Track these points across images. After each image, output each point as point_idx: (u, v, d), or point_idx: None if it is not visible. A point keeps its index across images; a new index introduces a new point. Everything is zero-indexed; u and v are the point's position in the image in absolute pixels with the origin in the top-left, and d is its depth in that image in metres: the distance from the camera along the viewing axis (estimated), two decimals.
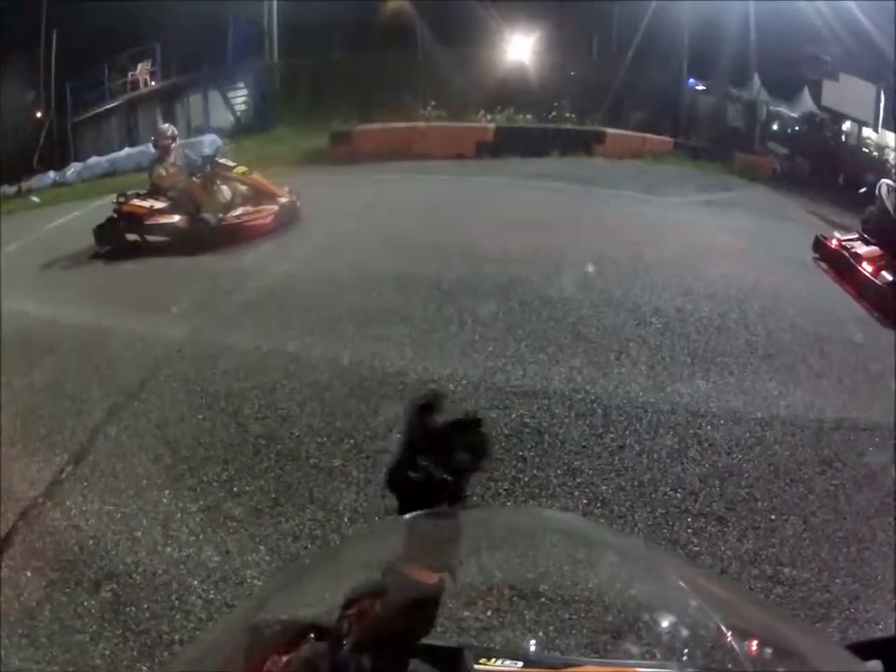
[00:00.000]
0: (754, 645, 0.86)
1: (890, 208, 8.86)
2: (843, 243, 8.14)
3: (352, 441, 3.88)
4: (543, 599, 2.12)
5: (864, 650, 1.08)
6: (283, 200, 8.05)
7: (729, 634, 0.86)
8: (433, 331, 5.11)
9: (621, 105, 12.44)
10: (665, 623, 0.92)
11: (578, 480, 3.60)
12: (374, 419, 4.08)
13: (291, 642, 0.89)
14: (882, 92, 12.68)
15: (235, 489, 3.56)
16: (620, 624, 0.92)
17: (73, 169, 12.68)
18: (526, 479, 3.60)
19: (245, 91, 13.45)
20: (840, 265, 7.84)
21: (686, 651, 0.88)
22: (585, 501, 3.45)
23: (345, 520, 3.32)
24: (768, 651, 0.87)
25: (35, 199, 11.32)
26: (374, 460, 3.72)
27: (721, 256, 7.15)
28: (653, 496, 3.53)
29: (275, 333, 5.14)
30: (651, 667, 0.90)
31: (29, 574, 3.10)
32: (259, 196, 8.06)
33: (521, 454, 3.78)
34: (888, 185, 9.30)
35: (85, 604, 2.92)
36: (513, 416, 4.08)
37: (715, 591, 1.04)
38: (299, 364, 4.67)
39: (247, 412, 4.20)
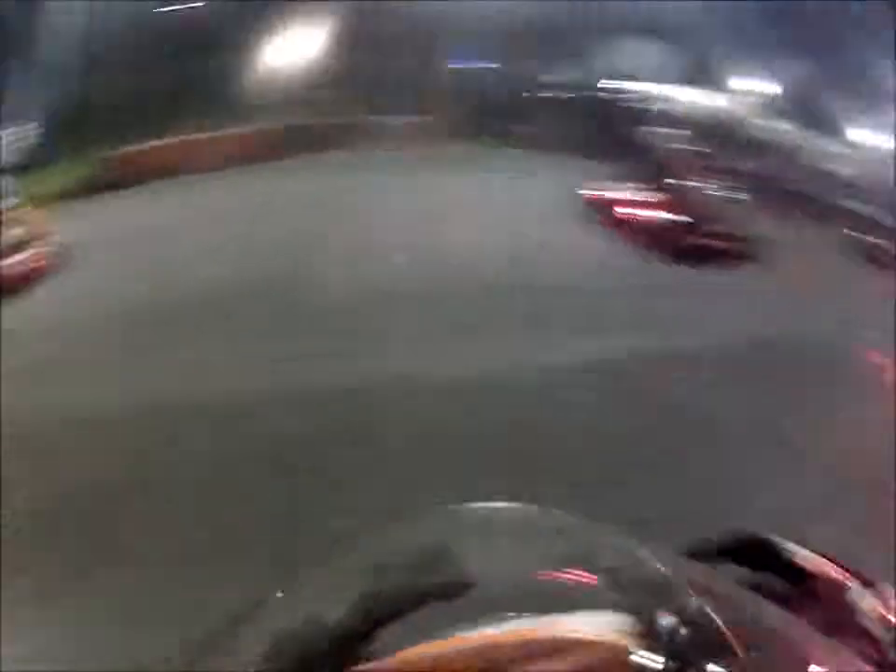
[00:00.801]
0: (751, 642, 0.80)
1: (655, 146, 9.89)
2: (610, 189, 8.82)
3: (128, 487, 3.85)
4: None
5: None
6: (51, 239, 7.72)
7: (726, 632, 0.94)
8: (219, 356, 5.12)
9: (385, 93, 12.61)
10: (664, 623, 0.98)
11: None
12: (156, 453, 4.06)
13: None
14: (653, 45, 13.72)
15: None
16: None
17: None
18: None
19: (27, 126, 12.59)
20: (609, 211, 8.49)
21: (684, 649, 0.92)
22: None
23: None
24: (764, 649, 0.79)
25: None
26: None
27: (469, 219, 7.46)
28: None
29: (50, 389, 5.02)
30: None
31: None
32: (34, 237, 7.69)
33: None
34: (652, 131, 10.33)
35: None
36: (272, 423, 4.21)
37: (713, 590, 1.11)
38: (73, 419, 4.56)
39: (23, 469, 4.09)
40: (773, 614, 0.95)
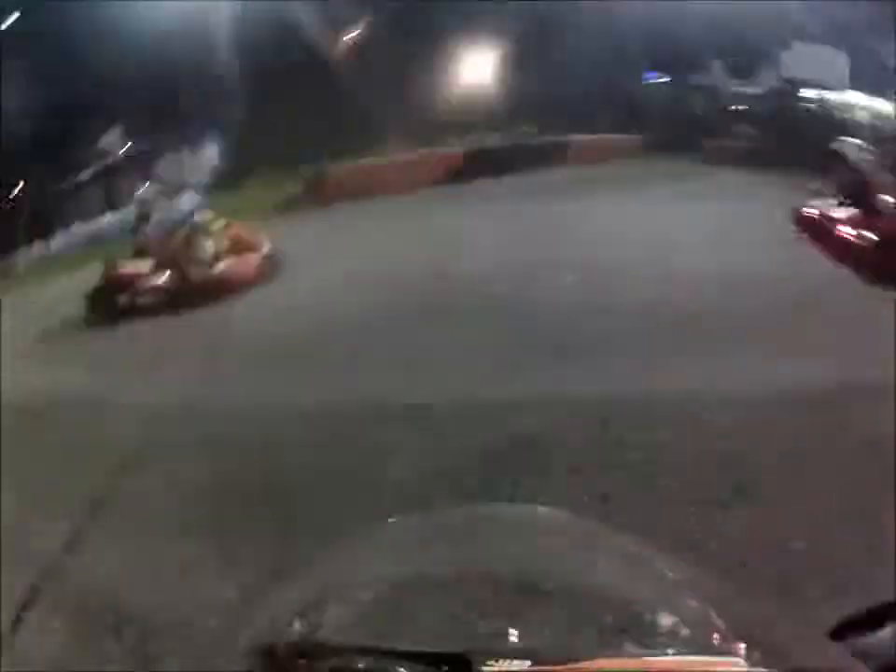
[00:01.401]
0: (752, 644, 0.88)
1: (861, 167, 8.88)
2: (821, 210, 8.00)
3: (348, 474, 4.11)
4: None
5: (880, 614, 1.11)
6: (264, 250, 8.18)
7: (727, 632, 0.89)
8: (422, 357, 5.24)
9: (581, 111, 12.44)
10: (665, 623, 0.92)
11: (578, 478, 3.74)
12: (369, 445, 4.29)
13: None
14: (844, 55, 12.60)
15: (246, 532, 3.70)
16: (621, 624, 0.98)
17: (57, 239, 12.80)
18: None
19: (215, 145, 13.61)
20: (820, 232, 7.78)
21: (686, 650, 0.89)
22: (586, 498, 3.58)
23: None
24: (764, 649, 0.89)
25: (22, 272, 11.41)
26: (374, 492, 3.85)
27: (694, 244, 7.23)
28: (654, 487, 3.65)
29: (273, 384, 5.27)
30: (659, 656, 0.89)
31: (56, 625, 3.24)
32: (239, 249, 8.19)
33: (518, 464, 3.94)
34: (852, 143, 9.28)
35: (109, 651, 3.06)
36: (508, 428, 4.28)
37: (713, 590, 1.07)
38: (297, 412, 4.79)
39: (250, 461, 4.36)
40: None
